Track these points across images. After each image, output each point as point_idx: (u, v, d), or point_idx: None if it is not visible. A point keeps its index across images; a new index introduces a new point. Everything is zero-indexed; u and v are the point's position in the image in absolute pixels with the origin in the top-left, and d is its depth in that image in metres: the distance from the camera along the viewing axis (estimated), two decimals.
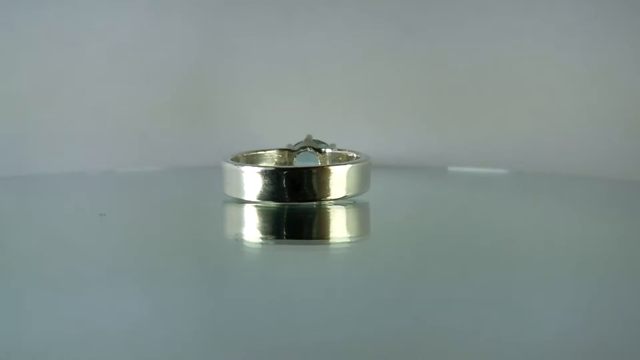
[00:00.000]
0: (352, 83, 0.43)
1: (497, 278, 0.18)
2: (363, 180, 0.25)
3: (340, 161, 0.27)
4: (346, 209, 0.25)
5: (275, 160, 0.29)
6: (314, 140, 0.27)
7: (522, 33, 0.41)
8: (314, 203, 0.24)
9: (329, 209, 0.25)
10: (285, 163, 0.29)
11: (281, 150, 0.29)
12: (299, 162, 0.27)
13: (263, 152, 0.29)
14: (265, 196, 0.24)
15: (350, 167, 0.24)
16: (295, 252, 0.20)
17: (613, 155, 0.40)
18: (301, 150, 0.27)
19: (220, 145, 0.42)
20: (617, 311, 0.15)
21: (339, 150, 0.27)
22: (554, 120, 0.41)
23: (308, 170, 0.24)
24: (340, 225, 0.24)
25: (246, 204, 0.25)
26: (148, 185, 0.37)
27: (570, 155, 0.41)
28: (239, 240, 0.23)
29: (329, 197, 0.24)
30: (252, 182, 0.24)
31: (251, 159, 0.29)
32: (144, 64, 0.42)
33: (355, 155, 0.26)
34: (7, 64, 0.42)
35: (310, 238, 0.22)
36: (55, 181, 0.39)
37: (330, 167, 0.24)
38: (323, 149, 0.27)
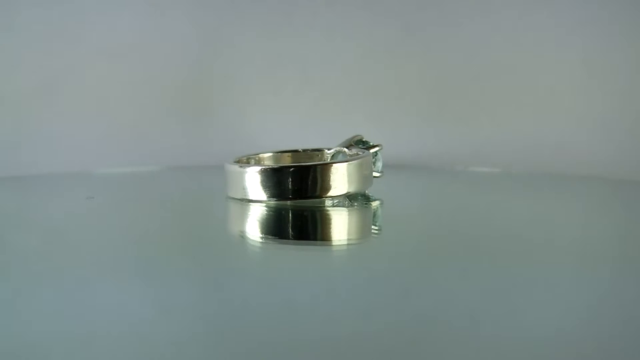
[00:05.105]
0: (352, 83, 0.43)
1: (498, 277, 0.18)
2: (365, 176, 0.25)
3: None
4: (347, 208, 0.25)
5: (276, 160, 0.30)
6: (356, 141, 0.28)
7: (522, 33, 0.41)
8: (317, 200, 0.25)
9: (330, 208, 0.25)
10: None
11: (281, 152, 0.29)
12: None
13: (264, 154, 0.29)
14: (267, 195, 0.24)
15: (350, 164, 0.24)
16: (297, 252, 0.20)
17: (613, 155, 0.40)
18: (334, 152, 0.28)
19: (220, 145, 0.42)
20: (617, 310, 0.15)
21: (362, 148, 0.27)
22: (554, 120, 0.41)
23: (309, 167, 0.24)
24: (341, 224, 0.24)
25: (248, 204, 0.25)
26: (148, 185, 0.37)
27: (570, 155, 0.41)
28: (241, 238, 0.23)
29: (331, 195, 0.24)
30: (254, 181, 0.24)
31: (251, 161, 0.29)
32: (144, 64, 0.43)
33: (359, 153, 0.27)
34: (7, 64, 0.42)
35: (312, 237, 0.22)
36: (55, 181, 0.38)
37: (332, 165, 0.24)
38: (350, 148, 0.27)
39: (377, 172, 0.27)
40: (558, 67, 0.41)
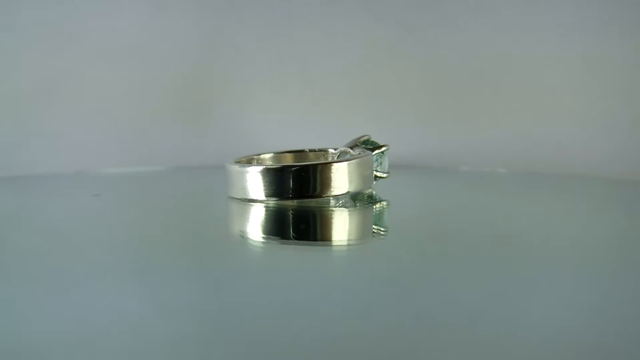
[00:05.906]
0: (352, 82, 0.43)
1: (499, 277, 0.18)
2: (365, 176, 0.25)
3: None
4: (348, 208, 0.25)
5: (277, 161, 0.30)
6: (362, 141, 0.28)
7: (522, 33, 0.41)
8: (320, 200, 0.25)
9: (332, 208, 0.25)
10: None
11: (286, 152, 0.30)
12: None
13: (265, 155, 0.29)
14: (268, 194, 0.24)
15: (350, 164, 0.24)
16: (298, 252, 0.20)
17: (613, 155, 0.40)
18: (339, 152, 0.28)
19: (220, 145, 0.42)
20: (617, 310, 0.15)
21: (368, 148, 0.27)
22: (554, 120, 0.41)
23: (309, 167, 0.24)
24: (342, 224, 0.24)
25: (250, 203, 0.25)
26: (148, 186, 0.37)
27: (570, 155, 0.41)
28: (242, 238, 0.23)
29: (331, 194, 0.24)
30: (254, 181, 0.24)
31: (253, 161, 0.29)
32: (144, 64, 0.43)
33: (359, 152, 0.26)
34: (7, 64, 0.42)
35: (313, 237, 0.22)
36: (55, 181, 0.38)
37: (332, 164, 0.24)
38: (354, 148, 0.27)
39: (384, 172, 0.27)
40: (558, 67, 0.41)
